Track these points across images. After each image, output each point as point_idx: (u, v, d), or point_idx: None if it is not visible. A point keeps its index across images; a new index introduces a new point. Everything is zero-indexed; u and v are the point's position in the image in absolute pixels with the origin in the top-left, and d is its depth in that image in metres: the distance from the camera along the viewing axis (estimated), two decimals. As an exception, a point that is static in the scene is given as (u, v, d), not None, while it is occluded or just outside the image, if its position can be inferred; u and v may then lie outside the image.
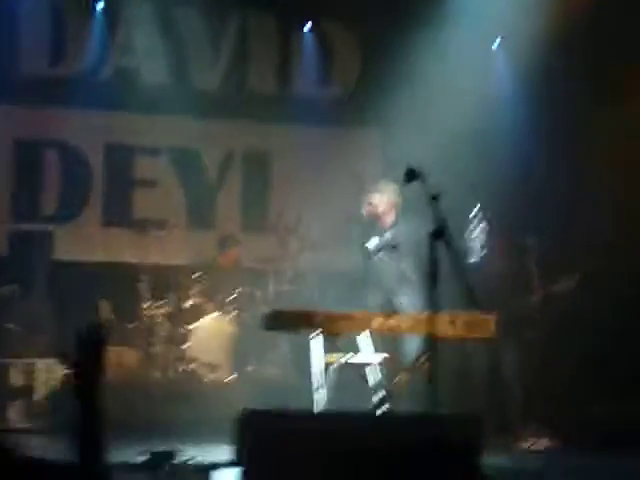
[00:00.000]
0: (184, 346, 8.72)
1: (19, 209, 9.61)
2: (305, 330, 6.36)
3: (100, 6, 9.76)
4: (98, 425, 4.42)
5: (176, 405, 8.08)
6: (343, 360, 6.46)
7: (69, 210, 9.76)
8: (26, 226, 9.50)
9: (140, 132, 9.95)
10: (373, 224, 7.31)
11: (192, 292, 8.98)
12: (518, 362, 8.00)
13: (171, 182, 10.04)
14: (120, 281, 9.14)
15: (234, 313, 8.95)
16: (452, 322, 6.17)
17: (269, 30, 10.33)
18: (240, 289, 9.08)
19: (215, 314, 8.92)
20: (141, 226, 9.43)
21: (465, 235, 6.70)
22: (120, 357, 8.44)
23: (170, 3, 9.98)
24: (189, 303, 8.94)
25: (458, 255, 4.98)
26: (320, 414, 5.85)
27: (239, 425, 4.62)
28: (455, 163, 8.66)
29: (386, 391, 6.36)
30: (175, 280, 9.08)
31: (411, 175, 5.17)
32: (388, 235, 7.23)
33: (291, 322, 6.36)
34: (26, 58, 9.66)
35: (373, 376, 6.61)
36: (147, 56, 9.83)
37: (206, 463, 5.41)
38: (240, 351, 8.83)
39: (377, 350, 6.66)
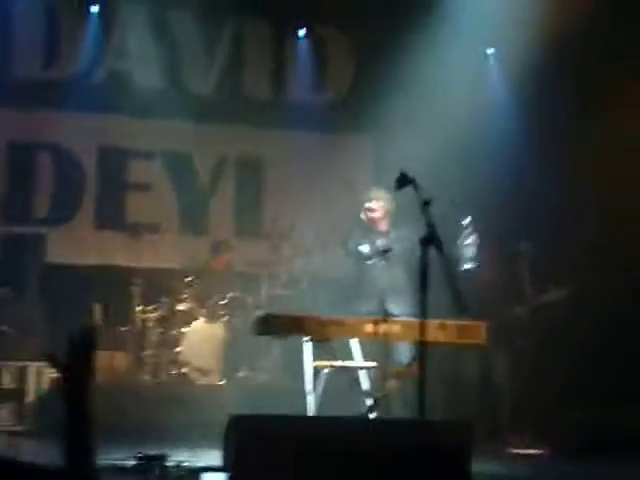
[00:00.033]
0: (176, 350, 8.73)
1: (12, 212, 9.59)
2: (296, 335, 6.37)
3: (95, 9, 9.75)
4: (87, 428, 4.41)
5: (168, 409, 8.07)
6: (336, 364, 6.46)
7: (62, 213, 9.74)
8: (19, 229, 9.50)
9: (134, 135, 9.93)
10: (367, 230, 7.31)
11: (184, 296, 8.98)
12: (508, 369, 8.03)
13: (164, 186, 10.03)
14: (113, 284, 9.12)
15: (226, 318, 8.96)
16: (443, 328, 6.17)
17: (263, 36, 10.36)
18: (232, 294, 9.09)
19: (207, 318, 8.93)
20: (134, 230, 9.43)
21: (458, 242, 6.69)
22: (112, 360, 8.46)
23: (165, 7, 9.98)
24: (181, 307, 8.94)
25: (449, 261, 4.99)
26: (309, 419, 5.86)
27: (226, 430, 4.64)
28: (447, 170, 8.66)
29: (374, 399, 6.35)
30: (168, 284, 9.08)
31: (403, 181, 5.18)
32: (382, 241, 7.24)
33: (282, 327, 6.34)
34: (19, 60, 9.64)
35: (364, 381, 6.62)
36: (141, 60, 9.82)
37: (197, 467, 5.40)
38: (231, 356, 8.84)
39: (367, 356, 6.66)
